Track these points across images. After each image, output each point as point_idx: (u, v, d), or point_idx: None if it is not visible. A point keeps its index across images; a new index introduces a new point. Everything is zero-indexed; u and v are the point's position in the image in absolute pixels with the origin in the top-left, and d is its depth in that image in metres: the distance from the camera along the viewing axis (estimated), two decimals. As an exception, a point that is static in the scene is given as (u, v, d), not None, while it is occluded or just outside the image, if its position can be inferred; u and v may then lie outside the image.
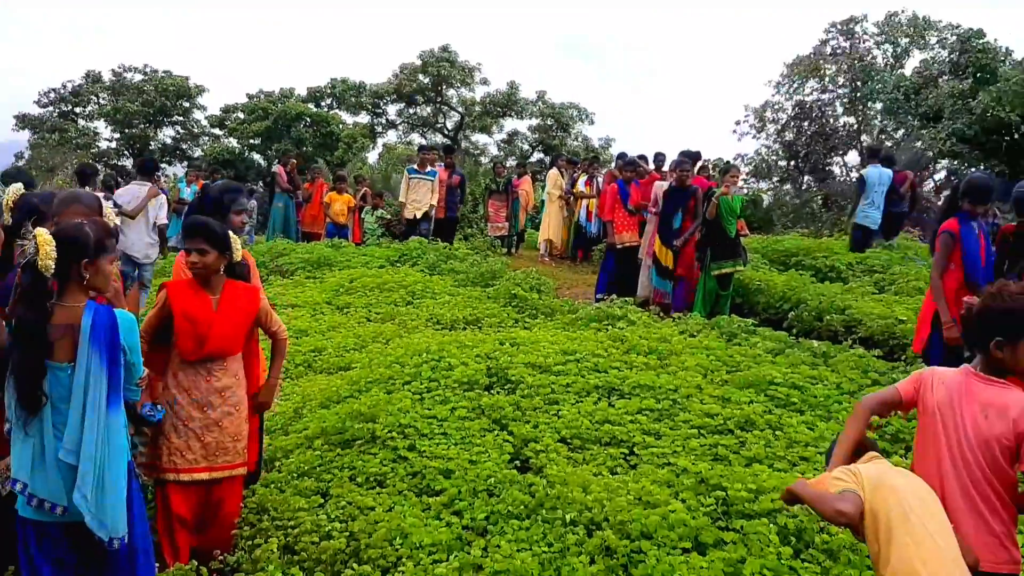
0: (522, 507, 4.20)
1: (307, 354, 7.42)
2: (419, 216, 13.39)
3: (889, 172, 11.92)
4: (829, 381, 5.89)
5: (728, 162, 25.18)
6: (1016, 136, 22.37)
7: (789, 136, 34.12)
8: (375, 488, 4.58)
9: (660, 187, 10.04)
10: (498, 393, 5.76)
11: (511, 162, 23.66)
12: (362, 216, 15.20)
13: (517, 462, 4.89)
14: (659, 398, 5.49)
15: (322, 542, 3.94)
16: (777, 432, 4.97)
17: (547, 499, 4.19)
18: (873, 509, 2.40)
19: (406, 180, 13.52)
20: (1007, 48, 23.37)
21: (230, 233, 4.09)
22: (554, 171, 15.17)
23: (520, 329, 7.84)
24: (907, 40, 33.13)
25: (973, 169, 21.57)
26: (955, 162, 22.60)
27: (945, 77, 24.11)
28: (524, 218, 15.83)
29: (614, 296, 8.74)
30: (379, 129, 33.13)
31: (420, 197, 13.36)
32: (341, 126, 31.52)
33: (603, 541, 3.77)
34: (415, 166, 13.55)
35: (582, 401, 5.55)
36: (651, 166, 11.40)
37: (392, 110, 33.89)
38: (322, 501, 4.45)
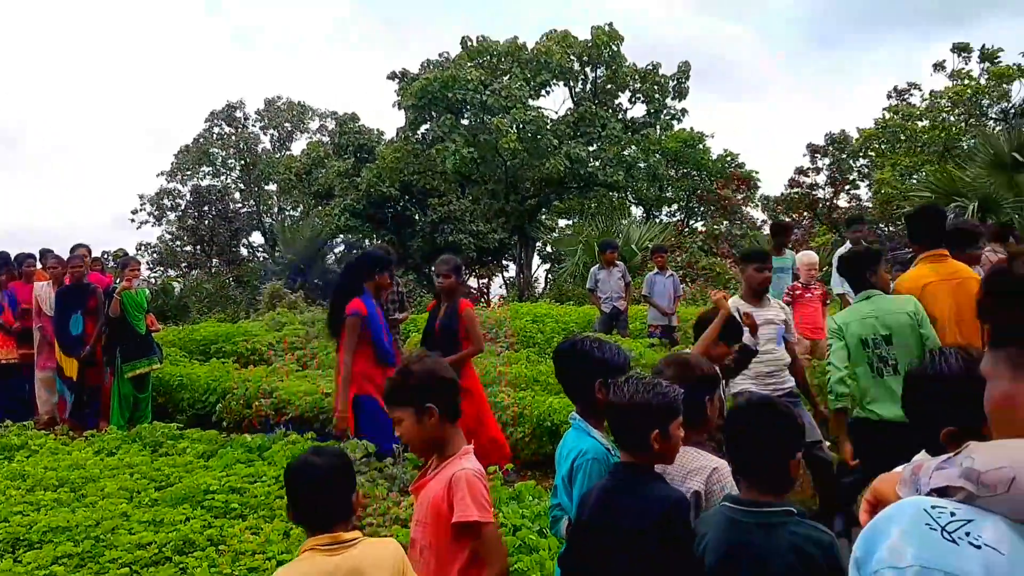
0: None
1: None
2: None
3: None
4: (268, 476, 5.60)
5: (126, 253, 23.88)
6: (398, 207, 25.20)
7: (191, 221, 33.89)
8: None
9: (41, 288, 8.92)
10: None
11: None
12: None
13: None
14: (77, 539, 4.63)
15: None
16: (220, 547, 4.50)
17: None
18: None
19: None
20: (379, 130, 26.25)
21: None
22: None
23: None
24: (289, 125, 35.55)
25: (368, 241, 23.65)
26: (351, 236, 24.49)
27: (331, 158, 26.10)
28: None
29: (8, 422, 7.40)
30: None
31: None
32: None
33: None
34: None
35: (-26, 567, 4.45)
36: (37, 265, 9.89)
37: None
38: None
